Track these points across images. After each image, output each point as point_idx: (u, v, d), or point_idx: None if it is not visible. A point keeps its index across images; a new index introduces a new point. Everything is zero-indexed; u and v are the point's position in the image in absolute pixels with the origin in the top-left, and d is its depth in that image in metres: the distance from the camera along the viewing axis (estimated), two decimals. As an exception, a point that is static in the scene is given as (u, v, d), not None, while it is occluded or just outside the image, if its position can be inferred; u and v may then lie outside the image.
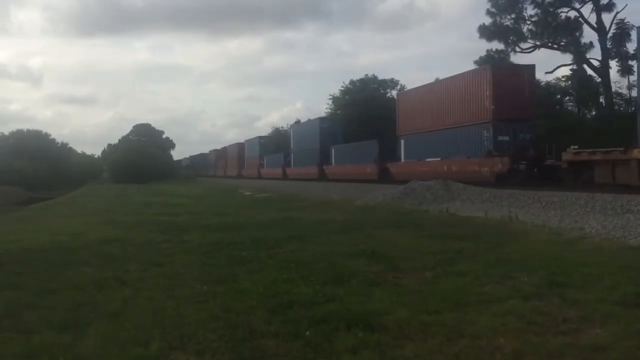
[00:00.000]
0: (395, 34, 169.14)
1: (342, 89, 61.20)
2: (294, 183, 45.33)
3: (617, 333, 5.18)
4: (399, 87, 59.43)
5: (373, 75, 60.60)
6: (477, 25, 44.92)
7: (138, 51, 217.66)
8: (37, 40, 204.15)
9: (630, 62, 39.97)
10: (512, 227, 13.48)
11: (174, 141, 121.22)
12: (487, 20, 44.40)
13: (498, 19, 44.04)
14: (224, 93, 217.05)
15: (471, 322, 5.64)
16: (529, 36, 44.20)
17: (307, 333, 5.28)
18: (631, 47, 39.78)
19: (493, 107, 26.35)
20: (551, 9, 42.83)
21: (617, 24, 40.71)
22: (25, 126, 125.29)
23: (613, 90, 42.18)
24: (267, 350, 4.98)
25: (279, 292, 6.88)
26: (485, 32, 44.11)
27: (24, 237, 13.56)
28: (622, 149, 19.84)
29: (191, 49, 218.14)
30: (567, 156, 22.43)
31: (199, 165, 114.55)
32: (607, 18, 41.10)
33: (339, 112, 57.58)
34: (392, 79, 61.40)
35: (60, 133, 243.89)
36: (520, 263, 8.53)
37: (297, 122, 70.46)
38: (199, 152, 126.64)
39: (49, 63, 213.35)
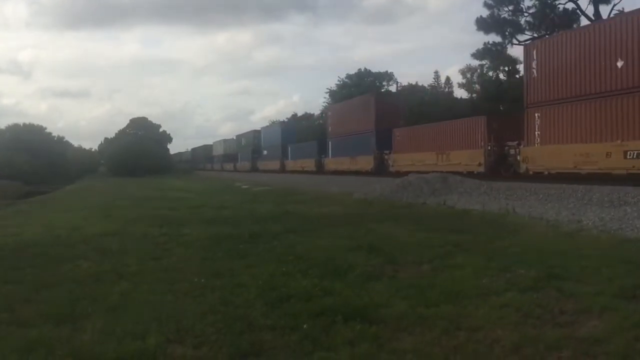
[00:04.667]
0: (385, 27, 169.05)
1: (339, 82, 61.19)
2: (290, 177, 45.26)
3: (615, 325, 5.19)
4: (392, 81, 59.48)
5: (365, 69, 60.68)
6: (466, 17, 45.00)
7: (127, 44, 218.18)
8: (23, 33, 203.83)
9: None
10: (510, 219, 13.50)
11: (171, 135, 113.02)
12: (481, 12, 44.40)
13: (496, 10, 43.96)
14: (218, 86, 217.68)
15: (469, 314, 5.66)
16: (527, 28, 44.17)
17: (305, 326, 5.29)
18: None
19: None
20: (549, 1, 42.76)
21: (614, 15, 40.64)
22: (18, 120, 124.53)
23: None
24: (265, 343, 4.98)
25: (277, 286, 6.88)
26: (483, 25, 44.02)
27: (21, 231, 13.54)
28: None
29: (181, 42, 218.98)
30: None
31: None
32: (604, 10, 41.10)
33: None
34: (387, 72, 61.47)
35: (55, 127, 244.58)
36: (518, 256, 8.55)
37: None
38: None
39: (38, 56, 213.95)
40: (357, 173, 38.05)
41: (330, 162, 45.48)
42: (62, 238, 11.93)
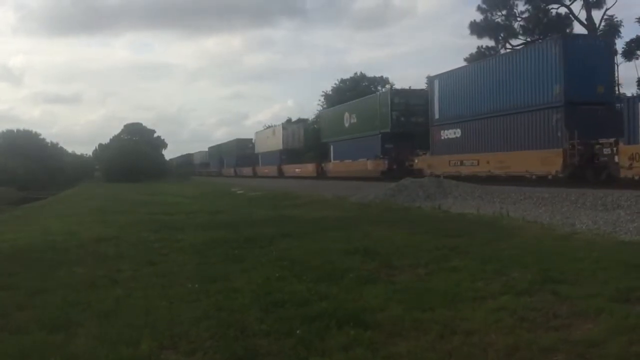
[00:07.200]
0: (377, 31, 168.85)
1: (334, 86, 61.34)
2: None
3: (609, 328, 5.20)
4: (389, 85, 59.68)
5: (361, 73, 60.83)
6: (457, 20, 45.25)
7: (118, 50, 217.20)
8: (11, 39, 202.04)
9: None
10: (504, 223, 13.52)
11: (165, 140, 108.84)
12: (472, 17, 44.64)
13: (489, 15, 44.24)
14: (211, 91, 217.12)
15: (464, 318, 5.65)
16: (520, 32, 44.44)
17: (299, 331, 5.26)
18: (620, 43, 39.77)
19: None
20: (542, 5, 43.03)
21: (606, 20, 40.95)
22: (11, 126, 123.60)
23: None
24: (260, 348, 4.96)
25: (272, 290, 6.86)
26: (476, 29, 44.28)
27: (16, 237, 13.47)
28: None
29: (172, 47, 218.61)
30: None
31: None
32: (596, 15, 41.37)
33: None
34: (382, 77, 61.61)
35: (49, 132, 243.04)
36: (513, 259, 8.56)
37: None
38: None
39: (29, 62, 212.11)
40: None
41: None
42: (57, 243, 11.87)
